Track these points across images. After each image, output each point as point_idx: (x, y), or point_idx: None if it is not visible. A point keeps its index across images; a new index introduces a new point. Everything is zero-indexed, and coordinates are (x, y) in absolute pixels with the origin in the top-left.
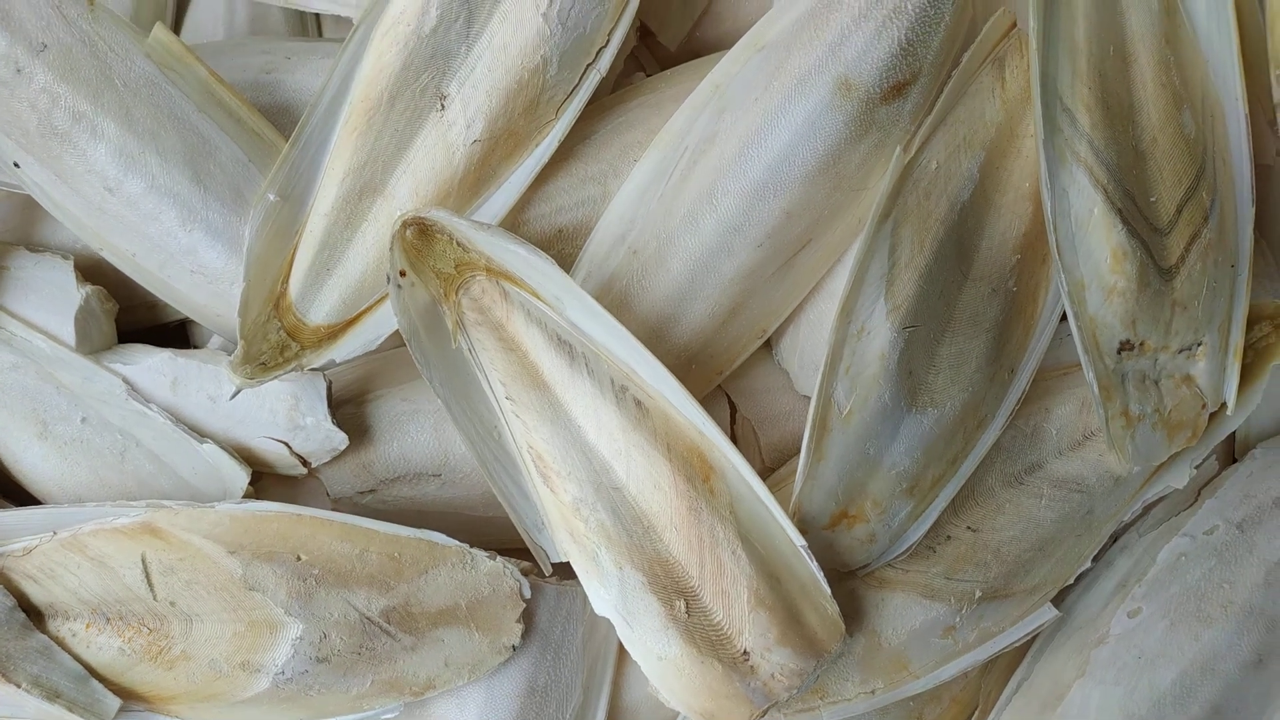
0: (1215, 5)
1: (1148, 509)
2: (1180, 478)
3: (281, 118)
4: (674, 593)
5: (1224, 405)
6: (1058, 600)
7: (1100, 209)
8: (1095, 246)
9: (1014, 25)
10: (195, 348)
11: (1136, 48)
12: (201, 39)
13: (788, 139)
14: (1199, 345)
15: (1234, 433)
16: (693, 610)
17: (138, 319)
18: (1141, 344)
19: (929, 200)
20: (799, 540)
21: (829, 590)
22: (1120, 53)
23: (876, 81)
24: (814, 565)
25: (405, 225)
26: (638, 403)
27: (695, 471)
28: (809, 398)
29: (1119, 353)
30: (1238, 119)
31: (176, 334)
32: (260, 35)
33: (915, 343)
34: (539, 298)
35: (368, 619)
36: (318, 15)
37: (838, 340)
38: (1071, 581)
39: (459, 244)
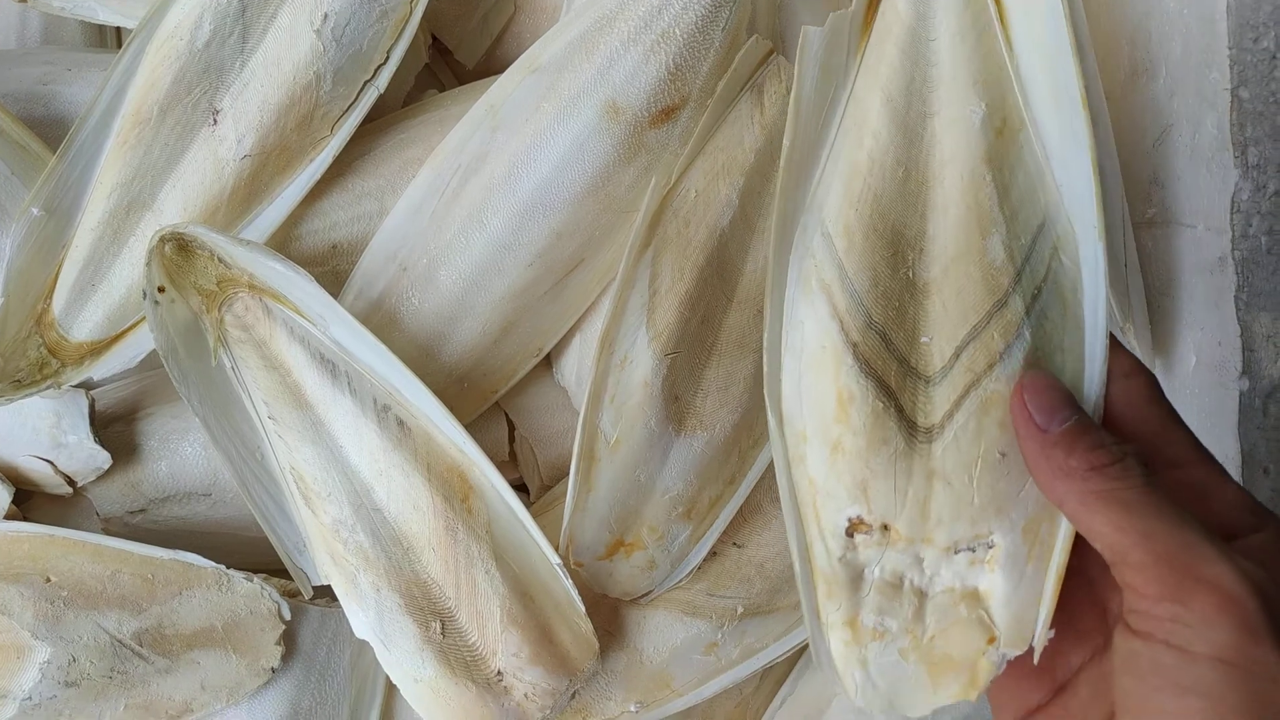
0: (1070, 131)
1: None
2: None
3: (55, 130)
4: (430, 614)
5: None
6: None
7: (832, 342)
8: (822, 388)
9: (771, 52)
10: None
11: (944, 170)
12: None
13: (556, 160)
14: (989, 546)
15: None
16: (448, 631)
17: None
18: (885, 527)
19: (688, 228)
20: (554, 558)
21: (583, 608)
22: (920, 176)
23: (644, 105)
24: (568, 583)
25: (164, 240)
26: (400, 422)
27: (454, 491)
28: None
29: (849, 535)
30: (1094, 263)
31: None
32: (51, 45)
33: (679, 368)
34: (302, 315)
35: (119, 641)
36: (118, 28)
37: (601, 371)
38: None
39: (220, 260)
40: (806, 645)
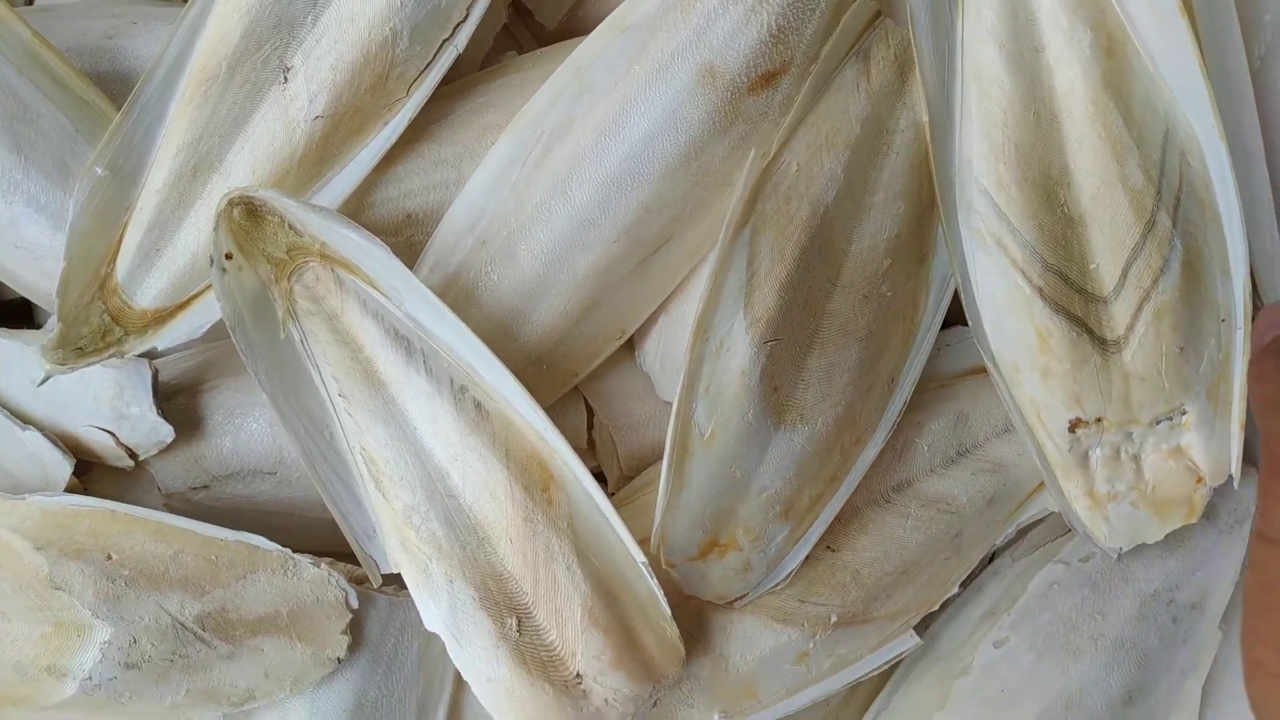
0: (1171, 35)
1: (1022, 533)
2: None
3: (121, 86)
4: (506, 609)
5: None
6: (921, 627)
7: (1020, 291)
8: (1021, 329)
9: (878, 15)
10: (37, 326)
11: (1068, 103)
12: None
13: (647, 128)
14: (1182, 414)
15: None
16: (524, 629)
17: None
18: (1098, 420)
19: (789, 205)
20: (639, 556)
21: (669, 611)
22: (1048, 114)
23: (744, 70)
24: (654, 583)
25: (231, 204)
26: (478, 404)
27: (534, 480)
28: (671, 403)
29: (1071, 431)
30: (1219, 156)
31: (20, 311)
32: None
33: (779, 357)
34: (376, 288)
35: (181, 624)
36: None
37: (695, 359)
38: (936, 608)
39: (291, 227)
40: (902, 659)
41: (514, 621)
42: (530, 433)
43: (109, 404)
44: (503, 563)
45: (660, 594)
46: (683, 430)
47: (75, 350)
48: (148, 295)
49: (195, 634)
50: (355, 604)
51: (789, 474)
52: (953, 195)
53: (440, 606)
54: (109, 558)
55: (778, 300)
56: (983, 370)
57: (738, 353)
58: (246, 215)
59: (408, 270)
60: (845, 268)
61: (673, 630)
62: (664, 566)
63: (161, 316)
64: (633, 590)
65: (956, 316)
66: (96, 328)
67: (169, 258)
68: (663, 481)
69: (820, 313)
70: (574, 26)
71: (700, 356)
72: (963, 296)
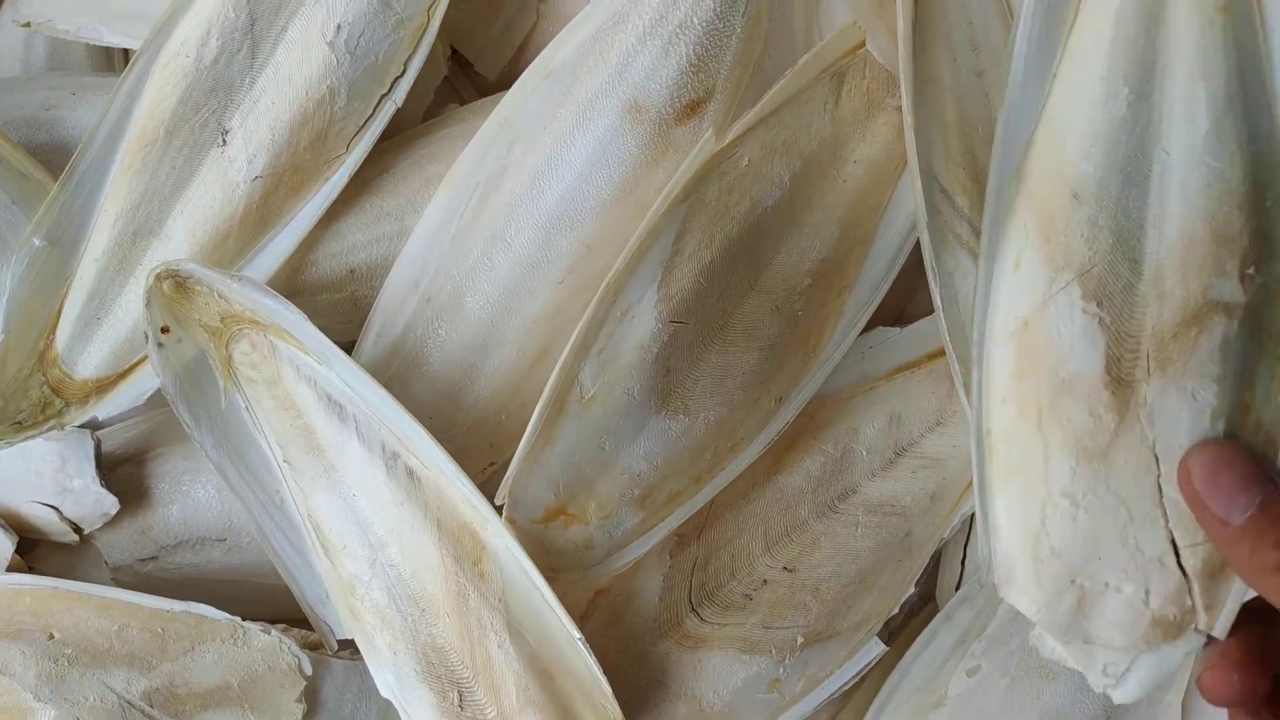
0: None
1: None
2: None
3: (59, 157)
4: (448, 683)
5: None
6: (894, 656)
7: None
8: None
9: (862, 44)
10: None
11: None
12: None
13: (579, 168)
14: None
15: None
16: (465, 704)
17: None
18: None
19: (731, 195)
20: (575, 632)
21: (609, 688)
22: (989, 131)
23: (668, 101)
24: (592, 660)
25: (159, 279)
26: (410, 472)
27: (466, 552)
28: None
29: None
30: None
31: None
32: (57, 71)
33: (680, 341)
34: (307, 353)
35: (127, 702)
36: (125, 51)
37: (596, 318)
38: (897, 610)
39: (220, 295)
40: (870, 669)
41: (455, 695)
42: (462, 502)
43: (51, 478)
44: (443, 635)
45: (598, 670)
46: (564, 385)
47: (14, 425)
48: (89, 365)
49: (143, 712)
50: (309, 671)
51: (657, 461)
52: (920, 195)
53: (386, 676)
54: (51, 637)
55: (694, 284)
56: (907, 367)
57: (642, 324)
58: (176, 288)
59: (323, 336)
60: (766, 274)
61: (614, 709)
62: (504, 519)
63: (103, 386)
64: (570, 667)
65: (875, 319)
66: (36, 400)
67: (110, 325)
68: (528, 433)
69: (732, 311)
70: (514, 77)
71: (603, 318)
72: (934, 298)
